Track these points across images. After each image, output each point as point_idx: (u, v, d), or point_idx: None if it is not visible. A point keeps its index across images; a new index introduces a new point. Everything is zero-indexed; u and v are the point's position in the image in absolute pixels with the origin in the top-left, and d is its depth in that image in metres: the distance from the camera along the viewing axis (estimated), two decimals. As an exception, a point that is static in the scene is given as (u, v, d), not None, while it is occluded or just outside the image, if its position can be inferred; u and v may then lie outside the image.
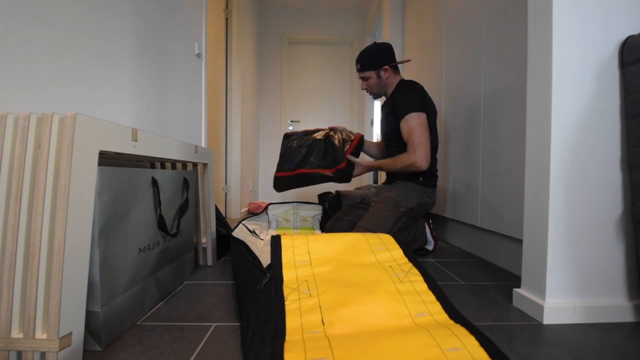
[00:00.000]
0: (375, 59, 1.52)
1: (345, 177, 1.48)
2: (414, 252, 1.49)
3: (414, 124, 1.39)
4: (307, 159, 1.49)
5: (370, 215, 1.40)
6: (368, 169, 1.51)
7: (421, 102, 1.43)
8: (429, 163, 1.40)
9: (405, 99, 1.44)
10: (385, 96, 1.61)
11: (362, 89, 1.61)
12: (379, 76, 1.54)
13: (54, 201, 0.57)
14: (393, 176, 1.55)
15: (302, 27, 3.75)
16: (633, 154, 0.81)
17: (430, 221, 1.57)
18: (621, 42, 0.83)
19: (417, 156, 1.37)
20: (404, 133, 1.43)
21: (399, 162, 1.42)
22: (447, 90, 1.80)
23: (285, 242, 0.86)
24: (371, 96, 1.64)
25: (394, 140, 1.53)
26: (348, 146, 1.47)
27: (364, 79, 1.57)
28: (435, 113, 1.52)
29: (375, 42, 1.57)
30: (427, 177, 1.50)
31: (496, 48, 1.34)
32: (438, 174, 1.58)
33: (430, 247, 1.53)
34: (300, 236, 0.90)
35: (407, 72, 2.53)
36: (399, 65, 1.64)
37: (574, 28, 0.83)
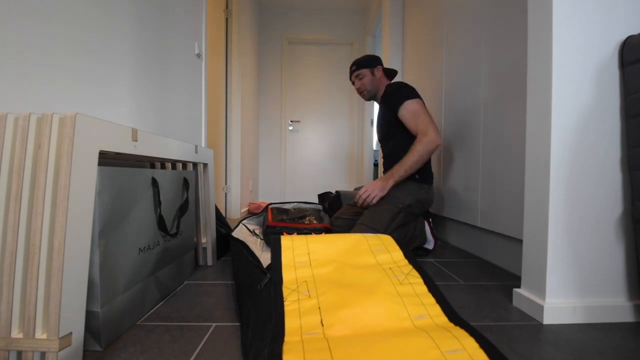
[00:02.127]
0: (369, 60, 1.67)
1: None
2: (414, 251, 1.50)
3: (414, 108, 1.46)
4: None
5: (369, 213, 1.43)
6: (392, 178, 1.43)
7: (413, 92, 1.51)
8: (441, 138, 1.46)
9: (397, 90, 1.52)
10: (377, 100, 1.71)
11: (357, 88, 1.68)
12: (372, 74, 1.65)
13: (54, 201, 0.57)
14: (389, 165, 1.58)
15: (302, 27, 3.75)
16: (633, 154, 0.81)
17: (431, 220, 1.58)
18: (621, 42, 0.83)
19: (432, 134, 1.41)
20: (406, 120, 1.47)
21: (416, 151, 1.40)
22: (447, 90, 1.80)
23: (285, 242, 0.86)
24: (364, 97, 1.71)
25: (392, 134, 1.59)
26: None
27: (358, 77, 1.66)
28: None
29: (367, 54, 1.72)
30: (423, 175, 1.53)
31: (496, 48, 1.34)
32: (437, 173, 1.60)
33: (430, 246, 1.53)
34: (300, 237, 0.90)
35: (407, 72, 2.53)
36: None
37: (574, 28, 0.83)
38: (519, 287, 0.95)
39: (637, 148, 0.80)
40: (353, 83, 1.72)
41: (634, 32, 0.83)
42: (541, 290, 0.86)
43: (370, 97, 1.70)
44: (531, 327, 0.80)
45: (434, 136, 1.40)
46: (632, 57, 0.80)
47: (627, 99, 0.82)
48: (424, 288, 0.69)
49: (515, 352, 0.69)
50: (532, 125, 0.90)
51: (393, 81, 1.70)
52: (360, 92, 1.69)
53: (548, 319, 0.82)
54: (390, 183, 1.43)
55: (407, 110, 1.46)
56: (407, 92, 1.50)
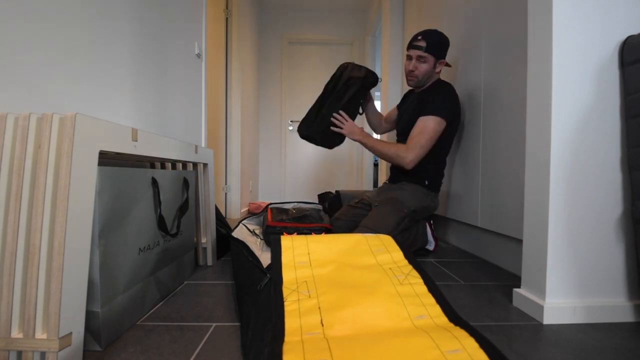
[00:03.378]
0: (442, 48, 1.44)
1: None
2: (414, 253, 1.49)
3: (431, 126, 1.37)
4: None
5: (374, 215, 1.40)
6: (362, 136, 1.48)
7: (449, 111, 1.40)
8: (414, 166, 1.41)
9: (438, 100, 1.40)
10: (417, 88, 1.55)
11: (408, 69, 1.47)
12: (434, 65, 1.46)
13: (54, 201, 0.57)
14: (398, 176, 1.55)
15: (302, 27, 3.75)
16: (633, 154, 0.81)
17: (432, 222, 1.57)
18: (621, 42, 0.83)
19: (413, 154, 1.38)
20: (416, 127, 1.40)
21: (393, 148, 1.41)
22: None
23: (285, 242, 0.86)
24: (410, 83, 1.51)
25: (404, 135, 1.50)
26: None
27: (420, 58, 1.43)
28: (457, 126, 1.51)
29: (441, 32, 1.47)
30: (433, 181, 1.51)
31: (496, 48, 1.34)
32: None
33: (430, 247, 1.52)
34: (300, 237, 0.90)
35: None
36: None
37: (574, 28, 0.83)
38: (519, 287, 0.95)
39: (637, 148, 0.80)
40: (408, 56, 1.46)
41: (634, 32, 0.83)
42: (541, 290, 0.86)
43: (416, 85, 1.52)
44: (531, 327, 0.80)
45: (409, 159, 1.38)
46: (632, 57, 0.80)
47: (627, 99, 0.82)
48: (424, 288, 0.69)
49: (515, 352, 0.69)
50: (532, 125, 0.90)
51: (446, 81, 1.52)
52: (410, 74, 1.48)
53: (548, 319, 0.82)
54: (360, 139, 1.47)
55: (425, 123, 1.38)
56: (445, 109, 1.39)
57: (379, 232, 1.31)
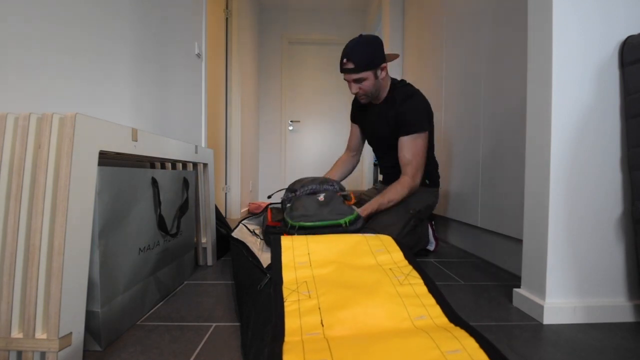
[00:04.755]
0: (373, 56, 1.28)
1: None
2: (416, 254, 1.49)
3: (421, 145, 1.35)
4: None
5: (380, 218, 1.36)
6: (367, 217, 1.31)
7: (427, 120, 1.38)
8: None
9: (416, 115, 1.34)
10: (374, 99, 1.44)
11: (353, 93, 1.36)
12: (376, 76, 1.32)
13: (54, 201, 0.57)
14: (396, 177, 1.50)
15: (302, 27, 3.75)
16: (633, 154, 0.81)
17: (433, 222, 1.57)
18: (621, 42, 0.83)
19: (418, 178, 1.36)
20: (404, 148, 1.34)
21: (400, 190, 1.34)
22: (447, 90, 1.80)
23: (285, 242, 0.86)
24: (362, 101, 1.42)
25: (385, 148, 1.49)
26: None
27: (357, 81, 1.31)
28: (433, 125, 1.46)
29: (362, 35, 1.31)
30: (432, 178, 1.51)
31: (496, 47, 1.34)
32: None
33: (431, 247, 1.52)
34: (300, 237, 0.90)
35: (407, 72, 2.53)
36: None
37: (574, 28, 0.83)
38: (519, 287, 0.95)
39: (637, 148, 0.80)
40: (348, 81, 1.34)
41: (634, 32, 0.83)
42: (541, 290, 0.86)
43: (370, 101, 1.44)
44: (531, 327, 0.80)
45: (417, 182, 1.35)
46: (632, 57, 0.80)
47: (627, 99, 0.82)
48: (424, 289, 0.69)
49: (515, 352, 0.69)
50: (532, 125, 0.90)
51: (405, 83, 1.43)
52: (358, 96, 1.39)
53: (548, 319, 0.82)
54: (369, 212, 1.31)
55: (415, 145, 1.33)
56: (425, 121, 1.35)
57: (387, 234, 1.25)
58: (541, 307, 0.83)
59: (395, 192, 1.34)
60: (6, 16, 0.68)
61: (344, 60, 1.29)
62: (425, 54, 2.16)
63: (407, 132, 1.34)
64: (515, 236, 1.20)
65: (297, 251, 0.83)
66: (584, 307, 0.83)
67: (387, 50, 2.71)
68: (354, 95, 1.46)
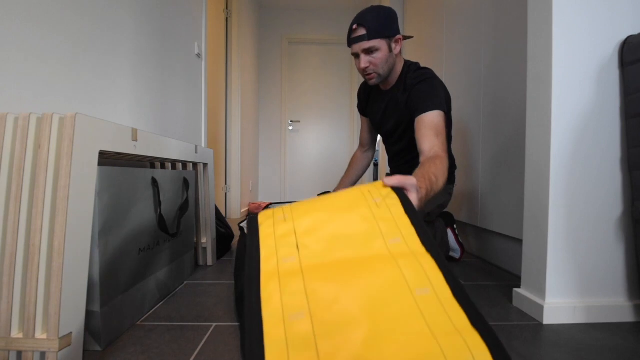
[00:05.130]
0: (388, 23, 1.09)
1: None
2: None
3: (442, 125, 1.07)
4: None
5: None
6: (424, 193, 0.89)
7: (445, 100, 1.16)
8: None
9: (432, 93, 1.10)
10: (384, 83, 1.24)
11: (363, 67, 1.12)
12: (390, 49, 1.12)
13: (54, 201, 0.57)
14: (409, 172, 1.19)
15: (302, 27, 3.75)
16: (633, 154, 0.81)
17: (455, 226, 1.41)
18: (621, 42, 0.83)
19: (446, 159, 0.99)
20: (423, 129, 1.06)
21: (437, 170, 0.89)
22: (447, 89, 1.80)
23: (264, 229, 0.68)
24: (371, 81, 1.18)
25: (396, 140, 1.30)
26: None
27: (369, 51, 1.10)
28: (450, 109, 1.26)
29: (378, 5, 1.15)
30: (450, 173, 1.28)
31: (496, 47, 1.34)
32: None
33: (456, 255, 1.38)
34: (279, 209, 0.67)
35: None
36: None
37: (574, 28, 0.83)
38: (519, 287, 0.95)
39: (637, 148, 0.80)
40: (354, 54, 1.14)
41: (634, 32, 0.83)
42: (541, 290, 0.86)
43: (380, 82, 1.20)
44: (531, 327, 0.80)
45: (447, 162, 0.98)
46: (632, 57, 0.80)
47: (627, 99, 0.82)
48: (401, 209, 0.58)
49: (515, 352, 0.69)
50: (532, 124, 0.90)
51: (419, 65, 1.21)
52: (366, 73, 1.14)
53: (548, 319, 0.82)
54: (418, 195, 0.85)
55: (431, 121, 1.05)
56: (442, 100, 1.11)
57: None
58: (541, 307, 0.83)
59: (436, 174, 0.86)
60: (6, 16, 0.68)
61: (354, 26, 1.10)
62: (425, 53, 2.16)
63: (424, 110, 1.07)
64: (515, 236, 1.20)
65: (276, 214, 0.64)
66: (584, 307, 0.83)
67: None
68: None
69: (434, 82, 1.15)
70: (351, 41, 1.12)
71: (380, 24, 1.08)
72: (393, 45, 1.13)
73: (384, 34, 1.08)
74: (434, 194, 0.83)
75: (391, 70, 1.17)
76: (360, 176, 1.53)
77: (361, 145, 1.52)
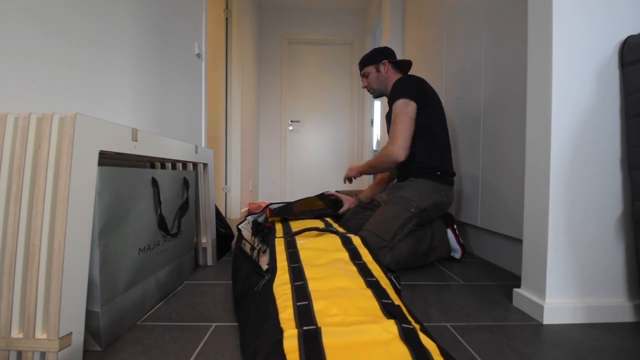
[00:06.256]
0: (374, 56, 1.54)
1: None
2: (436, 262, 1.38)
3: (398, 111, 1.33)
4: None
5: (377, 217, 1.27)
6: (359, 172, 1.53)
7: (413, 90, 1.34)
8: (406, 155, 1.31)
9: (397, 86, 1.38)
10: (383, 96, 1.63)
11: (363, 87, 1.62)
12: (378, 70, 1.53)
13: (54, 201, 0.57)
14: (405, 173, 1.43)
15: (302, 27, 3.75)
16: (633, 154, 0.81)
17: (455, 226, 1.42)
18: (621, 42, 0.83)
19: (395, 146, 1.30)
20: (392, 119, 1.37)
21: (377, 157, 1.40)
22: (448, 91, 1.80)
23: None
24: (372, 95, 1.63)
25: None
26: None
27: (364, 76, 1.57)
28: (440, 109, 1.40)
29: (375, 48, 1.62)
30: (444, 174, 1.37)
31: (496, 48, 1.34)
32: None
33: (457, 255, 1.39)
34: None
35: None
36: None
37: (574, 28, 0.83)
38: (519, 287, 0.95)
39: (637, 148, 0.80)
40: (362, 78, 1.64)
41: (635, 32, 0.83)
42: (541, 290, 0.86)
43: (379, 95, 1.60)
44: (531, 327, 0.80)
45: (396, 150, 1.30)
46: (632, 57, 0.80)
47: (627, 99, 0.82)
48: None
49: (515, 352, 0.69)
50: (532, 124, 0.90)
51: (404, 75, 1.51)
52: (367, 90, 1.61)
53: (548, 319, 0.82)
54: (357, 175, 1.55)
55: (394, 112, 1.35)
56: (406, 90, 1.34)
57: (380, 237, 1.21)
58: (541, 307, 0.83)
59: (377, 155, 1.39)
60: (6, 16, 0.68)
61: (358, 66, 1.62)
62: (425, 54, 2.16)
63: (391, 102, 1.40)
64: (515, 236, 1.20)
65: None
66: (584, 307, 0.84)
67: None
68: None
69: (403, 79, 1.41)
70: (361, 74, 1.62)
71: (367, 57, 1.56)
72: (381, 67, 1.53)
73: (369, 62, 1.55)
74: (371, 167, 1.44)
75: (384, 84, 1.55)
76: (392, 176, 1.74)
77: None
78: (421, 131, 1.36)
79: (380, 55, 1.53)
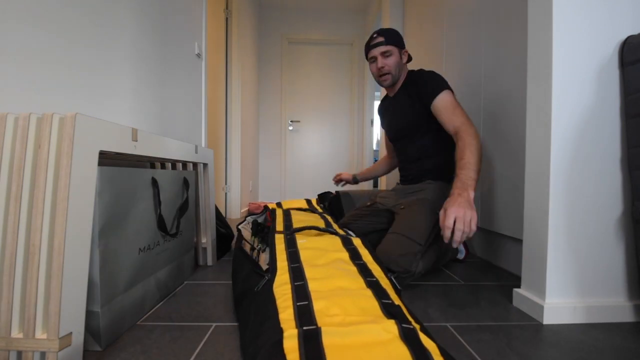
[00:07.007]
0: (400, 38, 1.36)
1: None
2: (445, 265, 1.35)
3: (452, 99, 1.21)
4: None
5: (404, 220, 1.19)
6: (473, 191, 0.99)
7: (446, 81, 1.28)
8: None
9: (436, 77, 1.28)
10: (392, 88, 1.42)
11: (379, 67, 1.34)
12: (400, 55, 1.35)
13: (54, 201, 0.57)
14: (418, 175, 1.36)
15: (302, 26, 3.75)
16: (633, 154, 0.81)
17: None
18: (621, 42, 0.83)
19: (473, 129, 1.12)
20: (442, 112, 1.20)
21: (475, 148, 1.06)
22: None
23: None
24: (384, 82, 1.38)
25: (424, 130, 1.32)
26: None
27: (385, 54, 1.32)
28: None
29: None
30: (453, 175, 1.25)
31: (496, 48, 1.34)
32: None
33: (461, 256, 1.39)
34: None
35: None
36: None
37: (574, 28, 0.83)
38: (519, 287, 0.95)
39: (637, 148, 0.80)
40: (371, 59, 1.36)
41: (635, 32, 0.83)
42: (541, 290, 0.86)
43: (391, 83, 1.38)
44: (531, 327, 0.80)
45: (477, 134, 1.10)
46: (632, 57, 0.80)
47: (627, 99, 0.82)
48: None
49: (515, 352, 0.69)
50: (532, 124, 0.90)
51: (414, 69, 1.40)
52: (381, 73, 1.34)
53: (548, 319, 0.82)
54: (472, 195, 0.97)
55: (445, 101, 1.20)
56: (442, 81, 1.26)
57: (412, 239, 1.13)
58: (541, 307, 0.83)
59: (471, 149, 1.05)
60: (5, 16, 0.68)
61: (374, 35, 1.36)
62: (425, 53, 2.16)
63: (434, 93, 1.23)
64: (515, 236, 1.20)
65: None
66: (584, 307, 0.84)
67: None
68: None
69: (435, 72, 1.32)
70: (371, 47, 1.36)
71: (395, 35, 1.35)
72: (402, 55, 1.36)
73: (397, 43, 1.34)
74: (479, 169, 1.05)
75: (399, 74, 1.37)
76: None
77: (387, 155, 1.75)
78: (442, 130, 1.26)
79: (402, 41, 1.36)
